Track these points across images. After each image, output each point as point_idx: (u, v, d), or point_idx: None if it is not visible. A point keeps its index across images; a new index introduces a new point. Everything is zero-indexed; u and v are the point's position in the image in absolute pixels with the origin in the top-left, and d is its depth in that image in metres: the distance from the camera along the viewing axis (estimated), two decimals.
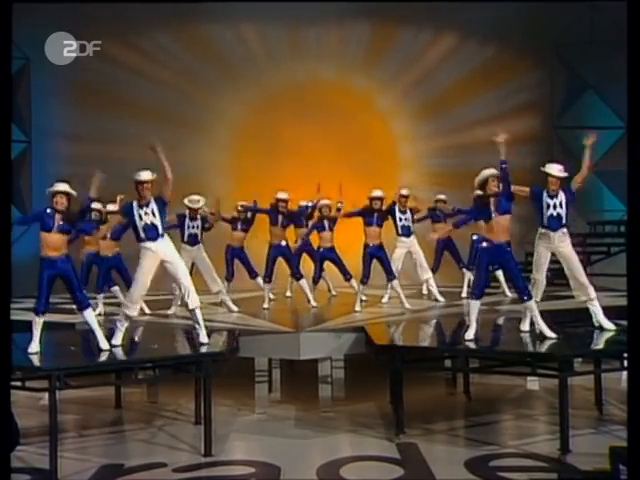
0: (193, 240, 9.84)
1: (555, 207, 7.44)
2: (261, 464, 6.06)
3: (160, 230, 6.97)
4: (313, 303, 10.41)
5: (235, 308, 9.92)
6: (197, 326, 7.16)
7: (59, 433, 6.04)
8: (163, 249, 6.98)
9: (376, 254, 9.88)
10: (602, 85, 15.54)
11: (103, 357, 6.79)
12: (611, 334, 7.35)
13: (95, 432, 7.19)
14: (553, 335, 6.96)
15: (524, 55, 15.60)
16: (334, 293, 12.12)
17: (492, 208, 7.08)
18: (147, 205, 6.96)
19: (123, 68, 15.09)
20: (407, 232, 10.54)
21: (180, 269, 7.09)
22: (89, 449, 6.66)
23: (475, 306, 7.07)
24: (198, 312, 7.15)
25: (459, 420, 7.59)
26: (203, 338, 7.12)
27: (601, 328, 7.46)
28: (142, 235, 6.96)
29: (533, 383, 8.49)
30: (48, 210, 6.82)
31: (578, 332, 7.53)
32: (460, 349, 7.06)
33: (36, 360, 6.55)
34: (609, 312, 7.74)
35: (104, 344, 6.83)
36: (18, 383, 6.18)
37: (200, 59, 15.43)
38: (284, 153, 15.03)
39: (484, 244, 7.13)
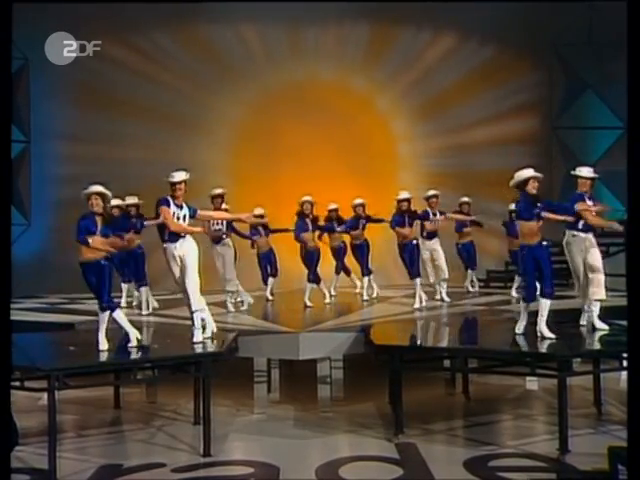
0: (218, 238, 10.03)
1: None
2: (260, 464, 6.06)
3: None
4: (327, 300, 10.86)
5: (232, 309, 10.02)
6: (193, 327, 7.22)
7: (58, 433, 6.03)
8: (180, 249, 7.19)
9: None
10: (601, 85, 15.56)
11: (102, 357, 6.80)
12: (610, 334, 7.35)
13: (94, 432, 7.18)
14: (552, 336, 6.97)
15: (523, 55, 15.61)
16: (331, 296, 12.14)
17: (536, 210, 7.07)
18: (181, 207, 7.24)
19: (122, 68, 15.10)
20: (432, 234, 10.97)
21: (187, 272, 7.13)
22: (88, 449, 6.66)
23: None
24: (198, 315, 7.21)
25: (458, 420, 7.59)
26: (196, 337, 7.20)
27: (593, 328, 7.51)
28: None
29: (532, 383, 8.50)
30: (87, 218, 6.81)
31: (577, 332, 7.53)
32: (459, 349, 7.06)
33: (37, 360, 6.55)
34: (609, 312, 7.75)
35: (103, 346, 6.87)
36: (17, 383, 6.17)
37: (199, 59, 15.44)
38: (283, 153, 15.04)
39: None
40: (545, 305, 7.06)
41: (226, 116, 15.50)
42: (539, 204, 7.07)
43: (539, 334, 7.06)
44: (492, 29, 15.13)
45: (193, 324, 7.21)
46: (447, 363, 7.66)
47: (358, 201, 11.44)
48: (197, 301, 7.16)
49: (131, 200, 9.90)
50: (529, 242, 7.08)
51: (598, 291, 7.52)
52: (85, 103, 14.93)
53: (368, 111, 15.60)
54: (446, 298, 10.97)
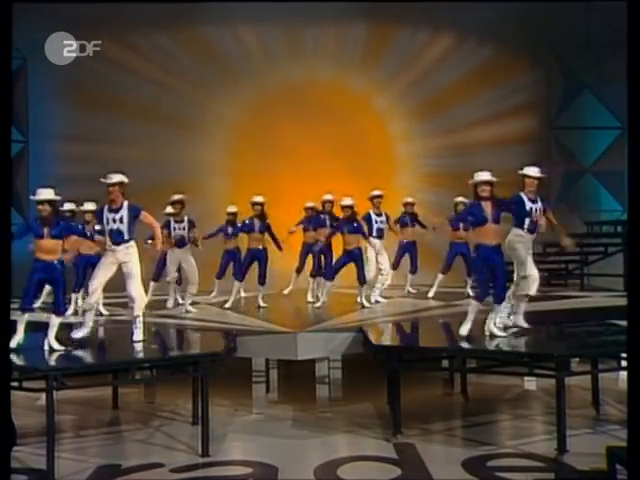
0: (180, 242, 9.98)
1: (537, 211, 7.44)
2: (258, 464, 6.06)
3: (125, 235, 7.18)
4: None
5: (192, 309, 9.99)
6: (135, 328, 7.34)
7: (56, 433, 6.03)
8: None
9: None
10: (599, 85, 15.56)
11: (100, 357, 6.80)
12: (608, 334, 7.37)
13: (92, 432, 7.18)
14: (503, 334, 7.08)
15: (521, 55, 15.61)
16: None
17: (487, 215, 7.08)
18: (117, 211, 7.18)
19: (120, 69, 15.07)
20: (379, 234, 10.75)
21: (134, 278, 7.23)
22: (86, 449, 6.66)
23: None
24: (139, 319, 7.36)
25: (456, 420, 7.60)
26: (137, 336, 7.31)
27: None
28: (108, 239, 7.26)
29: (530, 383, 8.50)
30: (37, 219, 6.99)
31: (575, 332, 7.54)
32: (457, 349, 7.06)
33: (36, 360, 6.54)
34: (606, 312, 7.77)
35: (54, 345, 6.98)
36: (15, 383, 6.16)
37: (197, 59, 15.42)
38: (281, 153, 15.02)
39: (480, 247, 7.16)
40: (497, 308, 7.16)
41: (224, 116, 15.49)
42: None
43: (488, 333, 7.12)
44: (490, 29, 15.13)
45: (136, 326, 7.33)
46: (445, 363, 7.68)
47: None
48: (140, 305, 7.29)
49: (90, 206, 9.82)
50: (485, 242, 7.09)
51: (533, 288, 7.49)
52: (83, 103, 14.91)
53: (366, 111, 15.59)
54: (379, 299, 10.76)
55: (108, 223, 7.20)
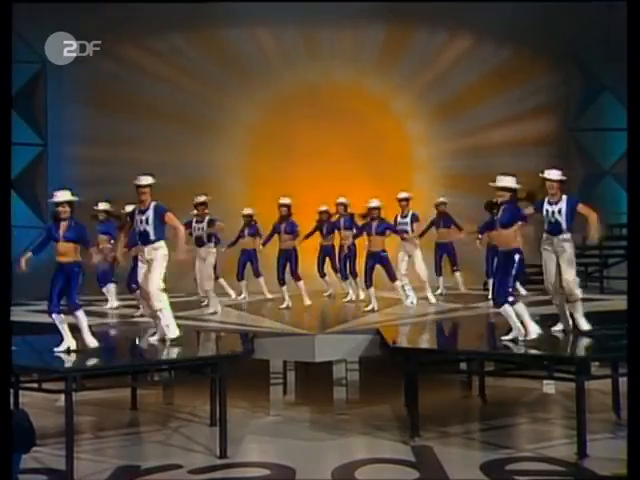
0: (199, 241, 10.22)
1: (554, 214, 7.41)
2: (276, 466, 6.06)
3: (151, 236, 7.21)
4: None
5: (215, 310, 10.13)
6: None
7: (75, 434, 6.06)
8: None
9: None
10: (619, 86, 15.40)
11: (119, 359, 6.82)
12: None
13: (111, 433, 7.21)
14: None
15: (540, 57, 15.52)
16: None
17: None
18: (144, 212, 7.24)
19: (139, 71, 15.16)
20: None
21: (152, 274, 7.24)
22: (105, 450, 6.68)
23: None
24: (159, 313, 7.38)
25: (474, 423, 7.56)
26: (159, 334, 7.39)
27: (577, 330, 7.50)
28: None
29: (549, 386, 8.44)
30: (53, 223, 7.06)
31: (595, 335, 7.47)
32: (476, 352, 7.02)
33: (54, 361, 6.58)
34: (615, 316, 7.72)
35: (91, 342, 7.04)
36: (34, 385, 6.21)
37: (215, 61, 15.47)
38: (299, 155, 15.04)
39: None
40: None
41: (242, 118, 15.53)
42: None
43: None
44: (508, 30, 15.05)
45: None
46: (463, 366, 7.63)
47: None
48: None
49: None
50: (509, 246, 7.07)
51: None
52: (101, 106, 15.00)
53: (384, 113, 15.56)
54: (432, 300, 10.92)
55: (137, 225, 7.27)
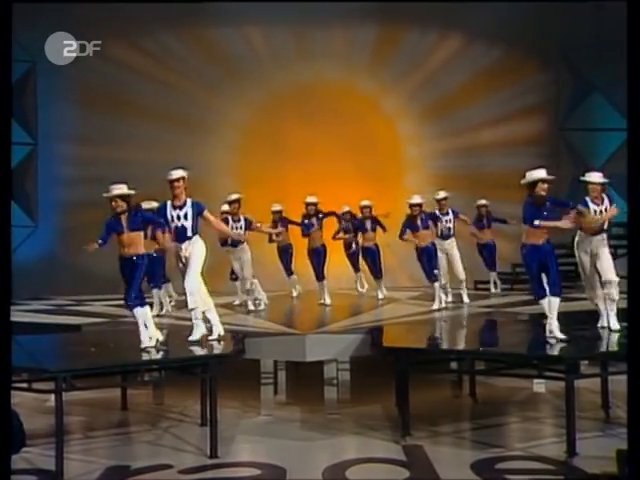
0: (236, 240, 10.15)
1: (601, 213, 7.52)
2: (267, 466, 6.05)
3: (189, 232, 7.19)
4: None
5: (252, 307, 10.32)
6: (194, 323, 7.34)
7: (65, 434, 6.04)
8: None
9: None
10: (608, 87, 15.49)
11: (109, 359, 6.81)
12: (617, 336, 7.33)
13: (101, 434, 7.19)
14: (563, 337, 6.97)
15: (530, 57, 15.58)
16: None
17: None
18: (181, 207, 7.21)
19: (129, 70, 15.13)
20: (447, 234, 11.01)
21: (189, 269, 7.19)
22: (95, 451, 6.66)
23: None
24: (194, 313, 7.32)
25: (465, 422, 7.57)
26: (193, 336, 7.30)
27: (609, 328, 7.52)
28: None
29: (539, 385, 8.46)
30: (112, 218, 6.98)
31: (585, 334, 7.50)
32: (466, 351, 7.04)
33: (44, 361, 6.55)
34: (617, 314, 7.73)
35: (145, 342, 6.98)
36: (24, 385, 6.18)
37: (206, 61, 15.46)
38: (290, 155, 15.04)
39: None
40: (554, 303, 7.08)
41: (233, 117, 15.52)
42: (546, 206, 7.07)
43: (548, 331, 7.09)
44: (499, 30, 15.10)
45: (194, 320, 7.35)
46: (454, 365, 7.65)
47: (365, 203, 11.53)
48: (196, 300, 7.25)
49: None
50: (534, 242, 7.09)
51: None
52: (92, 105, 14.97)
53: (375, 113, 15.59)
54: (466, 299, 11.01)
55: (172, 220, 7.22)
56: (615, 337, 7.35)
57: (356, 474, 5.82)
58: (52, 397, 6.08)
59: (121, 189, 6.95)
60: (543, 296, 7.19)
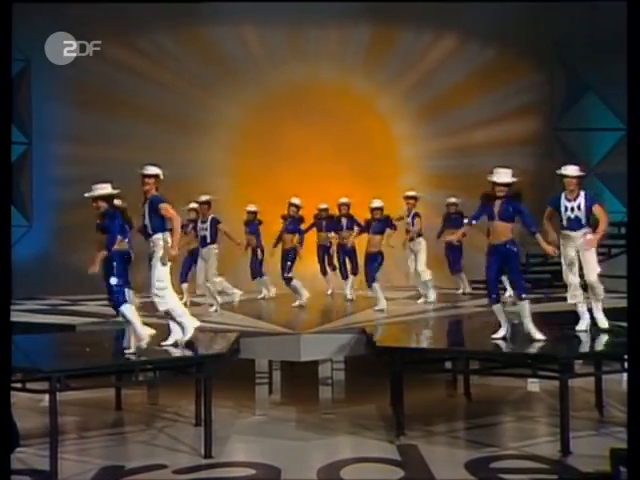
0: (202, 241, 10.13)
1: (573, 210, 7.42)
2: (261, 466, 6.06)
3: (149, 229, 6.89)
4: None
5: (212, 308, 10.12)
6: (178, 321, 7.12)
7: (59, 435, 6.03)
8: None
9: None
10: (602, 87, 15.53)
11: (103, 359, 6.80)
12: (611, 335, 7.35)
13: (95, 434, 7.18)
14: (542, 337, 6.93)
15: (524, 57, 15.60)
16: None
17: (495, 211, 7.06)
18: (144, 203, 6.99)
19: (124, 70, 15.10)
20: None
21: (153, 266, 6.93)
22: (89, 451, 6.65)
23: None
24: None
25: (460, 422, 7.59)
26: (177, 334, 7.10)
27: (596, 327, 7.50)
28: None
29: (534, 385, 8.48)
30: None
31: (578, 334, 7.52)
32: (460, 351, 7.05)
33: (39, 361, 6.54)
34: (610, 313, 7.75)
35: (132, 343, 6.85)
36: (18, 385, 6.17)
37: (201, 61, 15.44)
38: (285, 154, 15.03)
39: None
40: (526, 309, 7.03)
41: (227, 117, 15.51)
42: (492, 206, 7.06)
43: (526, 332, 7.05)
44: (493, 30, 15.12)
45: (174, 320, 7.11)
46: (448, 365, 7.66)
47: (342, 200, 11.50)
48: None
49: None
50: (495, 242, 7.05)
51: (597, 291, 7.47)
52: (86, 105, 14.94)
53: (370, 113, 15.59)
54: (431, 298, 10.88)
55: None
56: (609, 336, 7.37)
57: (351, 474, 5.83)
58: (46, 397, 6.07)
59: (104, 189, 6.91)
60: (496, 301, 7.11)
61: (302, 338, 7.93)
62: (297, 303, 10.70)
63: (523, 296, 7.01)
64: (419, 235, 10.87)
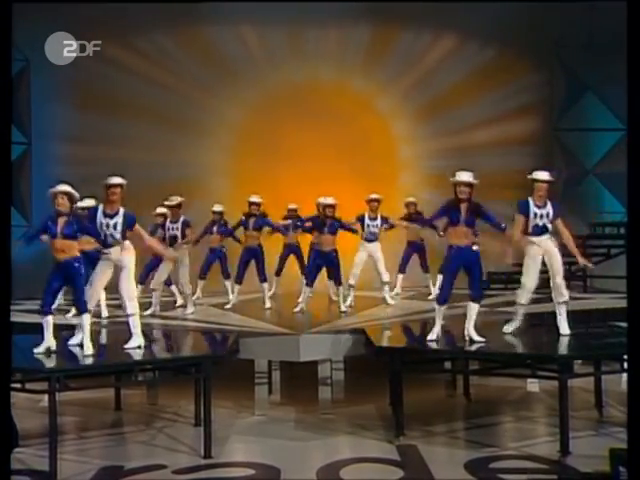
0: (173, 242, 10.03)
1: (542, 217, 7.34)
2: (261, 466, 6.06)
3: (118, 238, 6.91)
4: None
5: (189, 310, 10.10)
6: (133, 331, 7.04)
7: (59, 435, 6.04)
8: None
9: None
10: (602, 87, 15.54)
11: (103, 359, 6.80)
12: (611, 335, 7.36)
13: (95, 434, 7.18)
14: (481, 339, 6.98)
15: (524, 57, 15.59)
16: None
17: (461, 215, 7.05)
18: (112, 216, 6.92)
19: (123, 70, 15.09)
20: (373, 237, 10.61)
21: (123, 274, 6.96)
22: (89, 451, 6.65)
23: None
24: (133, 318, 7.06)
25: (459, 422, 7.59)
26: (133, 342, 6.98)
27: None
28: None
29: (533, 385, 8.50)
30: (50, 217, 6.81)
31: (578, 334, 7.52)
32: (460, 351, 7.06)
33: (38, 361, 6.54)
34: (609, 314, 7.75)
35: (89, 350, 6.77)
36: (18, 385, 6.17)
37: (200, 61, 15.43)
38: (284, 155, 15.03)
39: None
40: (474, 309, 7.09)
41: (227, 118, 15.50)
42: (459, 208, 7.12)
43: (467, 338, 7.07)
44: (493, 30, 15.12)
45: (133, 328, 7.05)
46: (448, 365, 7.67)
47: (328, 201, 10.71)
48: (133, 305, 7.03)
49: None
50: (458, 243, 7.04)
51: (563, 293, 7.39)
52: (86, 105, 14.93)
53: (369, 113, 15.58)
54: (390, 301, 10.68)
55: (101, 227, 6.91)
56: (609, 336, 7.37)
57: (350, 474, 5.83)
58: (46, 397, 6.07)
59: (68, 187, 6.81)
60: (443, 302, 7.15)
61: (301, 338, 7.93)
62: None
63: (478, 299, 7.08)
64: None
